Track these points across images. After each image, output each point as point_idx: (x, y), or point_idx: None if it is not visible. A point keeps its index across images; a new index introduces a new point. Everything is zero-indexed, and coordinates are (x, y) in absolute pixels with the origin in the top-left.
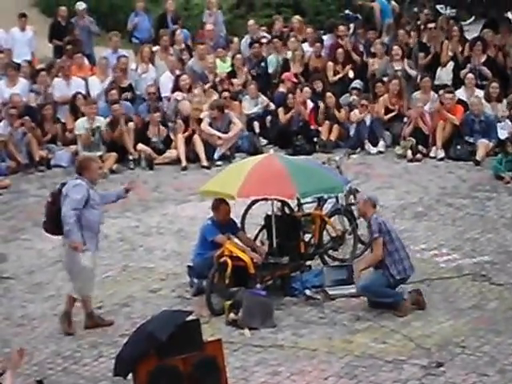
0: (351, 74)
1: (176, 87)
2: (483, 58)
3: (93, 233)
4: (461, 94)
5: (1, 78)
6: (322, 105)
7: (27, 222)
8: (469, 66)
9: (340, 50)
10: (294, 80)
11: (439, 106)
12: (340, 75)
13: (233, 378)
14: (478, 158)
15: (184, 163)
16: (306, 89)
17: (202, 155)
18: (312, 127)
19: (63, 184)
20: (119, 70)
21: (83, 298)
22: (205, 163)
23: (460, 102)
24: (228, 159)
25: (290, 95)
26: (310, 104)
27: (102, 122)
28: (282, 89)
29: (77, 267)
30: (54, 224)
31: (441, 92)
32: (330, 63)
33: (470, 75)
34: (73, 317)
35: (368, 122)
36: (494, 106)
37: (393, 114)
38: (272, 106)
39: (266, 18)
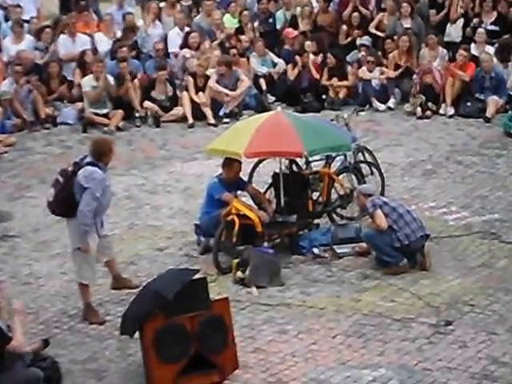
0: (358, 41)
1: (184, 44)
2: (493, 16)
3: (103, 214)
4: (472, 50)
5: (6, 35)
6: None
7: (33, 179)
8: (474, 22)
9: (355, 14)
10: (295, 34)
11: (448, 62)
12: (349, 39)
13: (240, 336)
14: (488, 114)
15: (191, 120)
16: (308, 43)
17: (209, 113)
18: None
19: (76, 164)
20: (126, 27)
21: (81, 286)
22: (211, 121)
23: (473, 58)
24: (235, 117)
25: (304, 53)
26: (317, 59)
27: (109, 79)
28: (287, 46)
29: (76, 256)
30: (63, 208)
31: (461, 48)
32: (344, 27)
33: (481, 30)
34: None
35: (376, 81)
36: (505, 64)
37: (401, 70)
38: (284, 66)
39: None
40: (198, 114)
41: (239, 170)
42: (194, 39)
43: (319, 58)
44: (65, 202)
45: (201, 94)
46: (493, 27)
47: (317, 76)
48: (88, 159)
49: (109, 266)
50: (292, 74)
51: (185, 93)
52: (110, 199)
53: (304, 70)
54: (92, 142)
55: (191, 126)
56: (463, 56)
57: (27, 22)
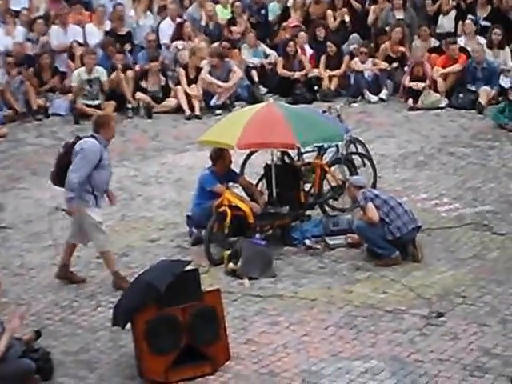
0: (347, 18)
1: (176, 35)
2: (487, 10)
3: (100, 192)
4: (462, 42)
5: None
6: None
7: (25, 170)
8: (469, 16)
9: None
10: (296, 24)
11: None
12: (338, 20)
13: (232, 327)
14: (481, 101)
15: (188, 112)
16: (302, 34)
17: (197, 105)
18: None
19: (78, 137)
20: (116, 19)
21: (105, 255)
22: (197, 112)
23: (462, 49)
24: (227, 108)
25: (291, 43)
26: (309, 50)
27: (100, 72)
28: (287, 35)
29: (88, 223)
30: (61, 177)
31: (448, 42)
32: (330, 11)
33: (468, 21)
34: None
35: (368, 72)
36: (496, 53)
37: (395, 65)
38: (275, 56)
39: None
40: (190, 106)
41: (230, 159)
42: (188, 29)
43: (309, 49)
44: (62, 172)
45: (193, 86)
46: (485, 23)
47: (307, 65)
48: (90, 133)
49: (68, 249)
50: (281, 68)
51: (179, 87)
52: (109, 178)
53: (295, 59)
54: (94, 116)
55: (189, 118)
56: (452, 50)
57: (18, 13)
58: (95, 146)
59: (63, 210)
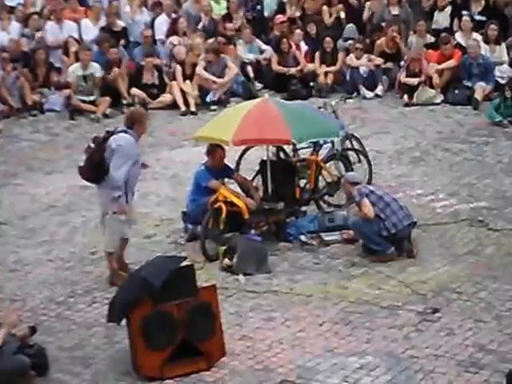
0: (342, 15)
1: (171, 31)
2: (481, 5)
3: (130, 187)
4: (458, 38)
5: None
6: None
7: (20, 166)
8: (464, 12)
9: None
10: (284, 19)
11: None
12: (333, 16)
13: (227, 323)
14: (477, 97)
15: (183, 108)
16: (298, 31)
17: (192, 102)
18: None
19: (109, 132)
20: (112, 15)
21: (109, 255)
22: (193, 109)
23: (458, 45)
24: (223, 104)
25: (284, 40)
26: (304, 47)
27: (96, 68)
28: (277, 32)
29: (111, 216)
30: (93, 172)
31: (443, 41)
32: (325, 7)
33: (465, 18)
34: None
35: (364, 68)
36: (493, 49)
37: (389, 64)
38: (271, 52)
39: None
40: (185, 102)
41: (223, 156)
42: (182, 25)
43: (304, 46)
44: (95, 167)
45: (187, 82)
46: (480, 17)
47: (303, 61)
48: (121, 128)
49: (122, 244)
50: (275, 65)
51: (174, 82)
52: (139, 174)
53: (289, 55)
54: (129, 111)
55: (184, 114)
56: (444, 49)
57: (14, 8)
58: (131, 142)
59: (114, 212)
